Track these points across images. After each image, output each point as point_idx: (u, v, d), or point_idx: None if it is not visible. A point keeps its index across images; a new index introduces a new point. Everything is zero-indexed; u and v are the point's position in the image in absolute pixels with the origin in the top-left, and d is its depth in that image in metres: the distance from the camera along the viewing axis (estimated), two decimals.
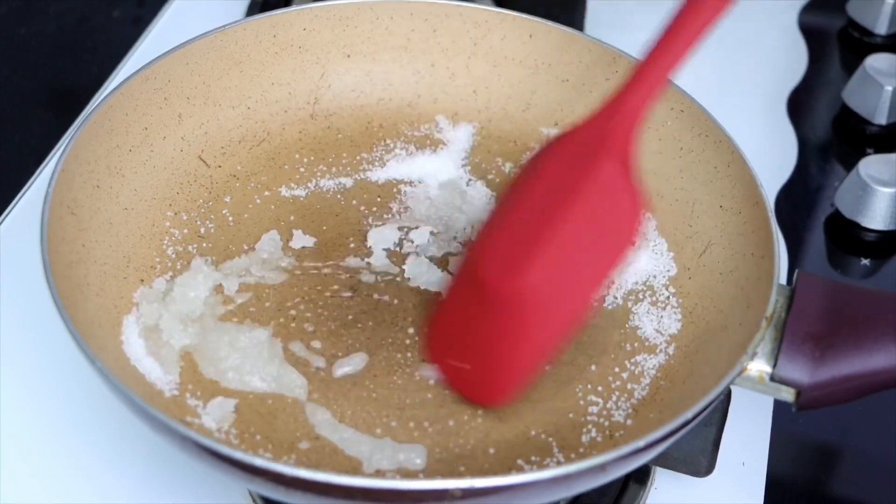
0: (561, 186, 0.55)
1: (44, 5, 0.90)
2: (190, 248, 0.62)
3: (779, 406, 0.63)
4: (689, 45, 0.55)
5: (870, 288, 0.60)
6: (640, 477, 0.60)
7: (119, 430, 0.60)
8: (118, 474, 0.59)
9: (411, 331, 0.59)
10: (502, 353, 0.55)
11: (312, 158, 0.68)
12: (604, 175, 0.54)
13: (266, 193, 0.65)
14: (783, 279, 0.58)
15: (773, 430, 0.62)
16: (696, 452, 0.58)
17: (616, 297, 0.62)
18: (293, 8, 0.68)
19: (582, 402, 0.57)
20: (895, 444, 0.63)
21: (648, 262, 0.63)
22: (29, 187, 0.73)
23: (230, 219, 0.64)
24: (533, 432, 0.56)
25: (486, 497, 0.47)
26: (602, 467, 0.48)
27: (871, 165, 0.73)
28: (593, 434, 0.56)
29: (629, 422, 0.56)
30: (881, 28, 0.88)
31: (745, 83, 0.85)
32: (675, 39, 0.55)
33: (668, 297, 0.61)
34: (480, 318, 0.55)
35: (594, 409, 0.57)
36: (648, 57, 0.56)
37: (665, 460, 0.57)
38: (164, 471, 0.59)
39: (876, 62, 0.80)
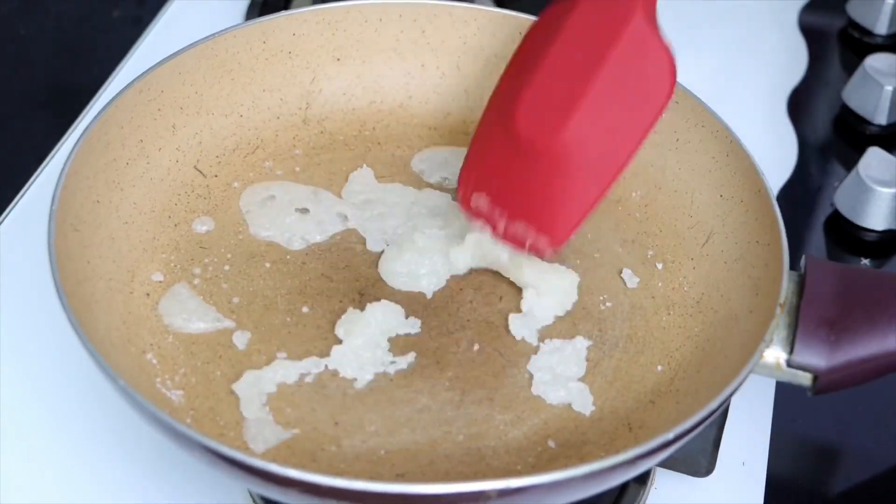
0: (590, 44, 0.56)
1: (44, 5, 0.89)
2: (192, 260, 0.61)
3: (779, 406, 0.64)
4: None
5: (878, 270, 0.61)
6: (641, 477, 0.60)
7: (119, 430, 0.60)
8: (118, 474, 0.59)
9: (411, 330, 0.59)
10: (546, 203, 0.57)
11: (307, 163, 0.67)
12: (633, 32, 0.56)
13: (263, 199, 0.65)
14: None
15: (773, 430, 0.63)
16: (696, 452, 0.59)
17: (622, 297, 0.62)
18: (282, 13, 0.68)
19: (598, 398, 0.57)
20: (895, 444, 0.64)
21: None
22: (29, 187, 0.73)
23: (230, 229, 0.63)
24: (552, 429, 0.56)
25: (520, 496, 0.47)
26: (632, 461, 0.48)
27: (872, 166, 0.73)
28: (616, 428, 0.56)
29: (649, 414, 0.56)
30: (881, 28, 0.88)
31: (745, 83, 0.85)
32: None
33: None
34: (521, 170, 0.57)
35: (613, 402, 0.57)
36: None
37: (665, 460, 0.56)
38: (165, 471, 0.59)
39: (876, 62, 0.81)
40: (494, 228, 0.58)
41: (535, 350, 0.59)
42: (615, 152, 0.56)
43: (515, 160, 0.57)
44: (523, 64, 0.59)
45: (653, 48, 0.56)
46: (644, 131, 0.56)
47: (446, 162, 0.68)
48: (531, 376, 0.58)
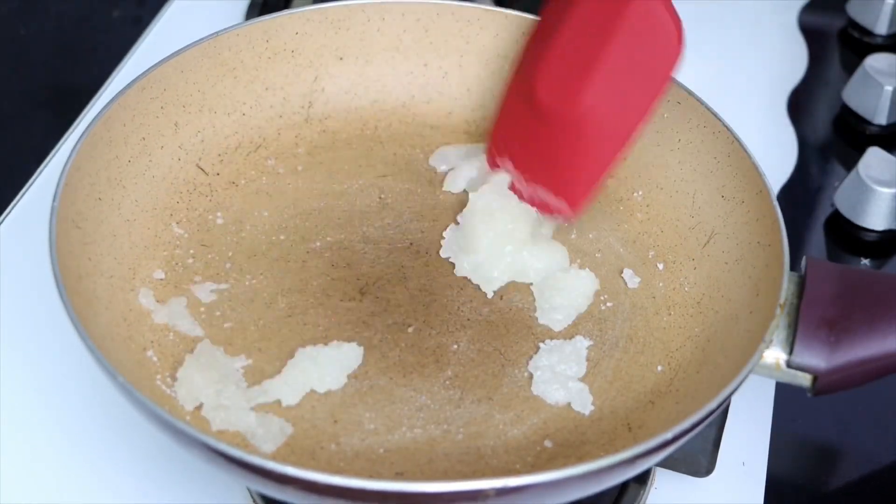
0: (602, 14, 0.59)
1: (44, 5, 0.89)
2: (193, 257, 0.62)
3: (779, 406, 0.64)
4: None
5: (878, 271, 0.61)
6: (640, 477, 0.60)
7: (119, 428, 0.60)
8: (118, 472, 0.59)
9: (411, 330, 0.59)
10: (564, 168, 0.61)
11: (309, 162, 0.67)
12: (643, 2, 0.59)
13: (265, 199, 0.65)
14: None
15: (773, 430, 0.63)
16: (696, 452, 0.59)
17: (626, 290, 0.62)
18: (285, 12, 0.68)
19: (598, 398, 0.57)
20: (895, 443, 0.64)
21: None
22: (29, 187, 0.73)
23: (231, 227, 0.63)
24: (551, 429, 0.56)
25: (518, 495, 0.47)
26: (631, 461, 0.48)
27: (872, 166, 0.73)
28: (615, 428, 0.56)
29: (648, 414, 0.56)
30: (881, 28, 0.88)
31: (745, 83, 0.85)
32: None
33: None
34: (541, 137, 0.61)
35: (613, 402, 0.57)
36: None
37: (665, 460, 0.56)
38: (165, 469, 0.59)
39: (876, 62, 0.81)
40: (519, 192, 0.62)
41: (536, 349, 0.59)
42: (628, 117, 0.59)
43: (536, 127, 0.61)
44: (542, 36, 0.63)
45: (660, 15, 0.58)
46: (654, 97, 0.59)
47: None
48: (531, 376, 0.58)
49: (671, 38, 0.59)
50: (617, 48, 0.59)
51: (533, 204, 0.63)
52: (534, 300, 0.61)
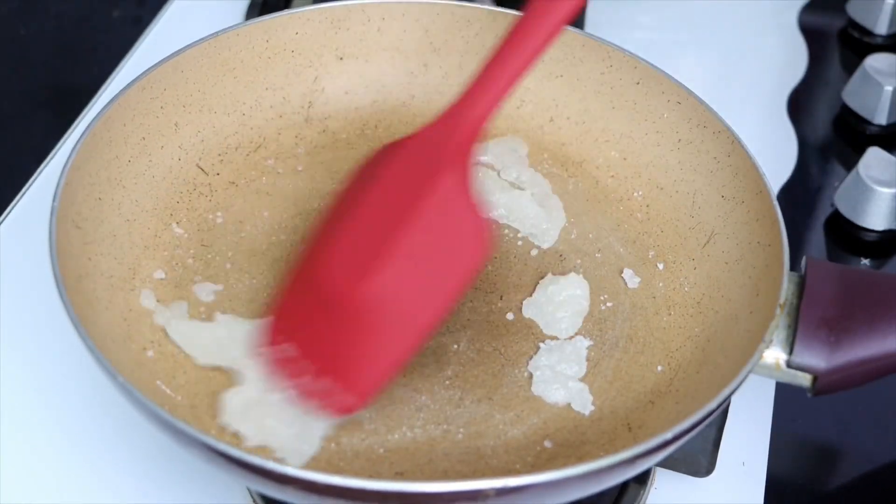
0: (401, 196, 0.55)
1: (44, 5, 0.89)
2: (194, 258, 0.62)
3: (779, 406, 0.64)
4: (537, 53, 0.55)
5: (878, 271, 0.61)
6: (640, 477, 0.60)
7: (119, 428, 0.60)
8: (118, 472, 0.59)
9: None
10: (350, 358, 0.54)
11: (309, 162, 0.67)
12: (444, 188, 0.54)
13: (265, 199, 0.65)
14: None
15: (773, 430, 0.63)
16: (696, 452, 0.59)
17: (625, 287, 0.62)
18: (285, 12, 0.68)
19: (598, 398, 0.57)
20: (895, 444, 0.64)
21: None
22: (29, 187, 0.73)
23: (232, 227, 0.63)
24: (551, 429, 0.56)
25: (518, 495, 0.47)
26: (631, 461, 0.48)
27: (872, 166, 0.73)
28: (615, 428, 0.56)
29: (648, 414, 0.56)
30: (881, 28, 0.88)
31: (745, 83, 0.85)
32: (523, 47, 0.55)
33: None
34: (324, 323, 0.54)
35: (613, 402, 0.57)
36: (492, 64, 0.56)
37: (665, 460, 0.56)
38: (165, 469, 0.59)
39: (876, 62, 0.81)
40: (299, 380, 0.55)
41: (536, 349, 0.59)
42: (421, 310, 0.54)
43: (322, 311, 0.55)
44: (338, 211, 0.58)
45: (463, 210, 0.54)
46: (454, 292, 0.54)
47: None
48: (531, 375, 0.58)
49: (475, 231, 0.55)
50: (412, 235, 0.54)
51: (311, 396, 0.54)
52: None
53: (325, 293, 0.55)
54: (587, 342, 0.60)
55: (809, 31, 0.89)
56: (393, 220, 0.54)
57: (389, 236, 0.54)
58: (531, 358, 0.59)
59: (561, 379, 0.58)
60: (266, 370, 0.55)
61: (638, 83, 0.66)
